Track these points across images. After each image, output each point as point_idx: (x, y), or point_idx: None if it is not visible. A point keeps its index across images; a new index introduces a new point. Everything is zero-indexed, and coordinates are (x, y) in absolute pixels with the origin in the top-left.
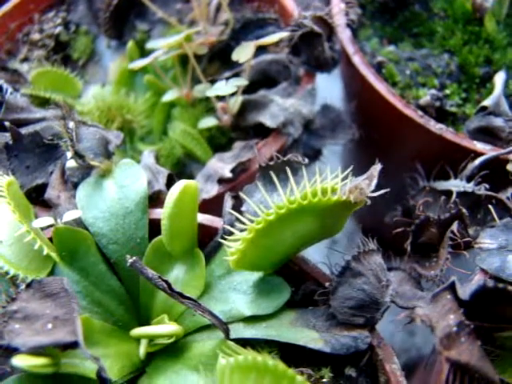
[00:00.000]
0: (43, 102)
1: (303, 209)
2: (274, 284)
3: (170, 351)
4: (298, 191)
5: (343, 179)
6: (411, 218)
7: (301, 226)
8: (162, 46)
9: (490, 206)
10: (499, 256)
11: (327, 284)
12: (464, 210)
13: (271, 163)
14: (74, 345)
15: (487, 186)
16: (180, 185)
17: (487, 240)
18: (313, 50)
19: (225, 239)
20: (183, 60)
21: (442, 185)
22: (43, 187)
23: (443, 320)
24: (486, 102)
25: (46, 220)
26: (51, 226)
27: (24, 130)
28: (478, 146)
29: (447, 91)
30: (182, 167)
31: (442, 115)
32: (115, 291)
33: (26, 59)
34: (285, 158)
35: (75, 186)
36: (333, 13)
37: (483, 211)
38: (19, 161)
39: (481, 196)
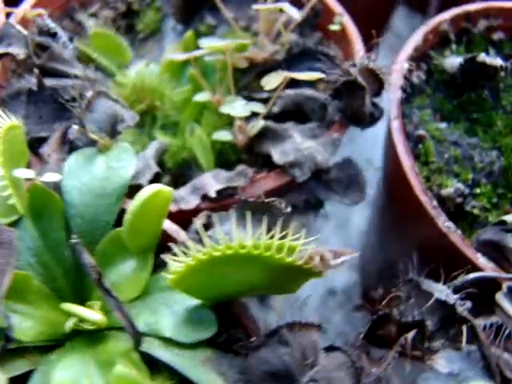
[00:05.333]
0: (89, 60)
1: (253, 257)
2: (204, 317)
3: (94, 337)
4: (253, 239)
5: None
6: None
7: (247, 272)
8: (205, 47)
9: (463, 327)
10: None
11: (253, 339)
12: (428, 323)
13: (251, 200)
14: None
15: (470, 305)
16: (153, 188)
17: (441, 361)
18: (353, 100)
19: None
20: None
21: (427, 284)
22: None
23: None
24: (508, 218)
25: (26, 172)
26: None
27: (51, 82)
28: (481, 260)
29: (478, 190)
30: (184, 169)
31: (460, 213)
32: (65, 261)
33: (94, 15)
34: (266, 200)
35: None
36: (393, 69)
37: (457, 329)
38: (36, 108)
39: (459, 313)
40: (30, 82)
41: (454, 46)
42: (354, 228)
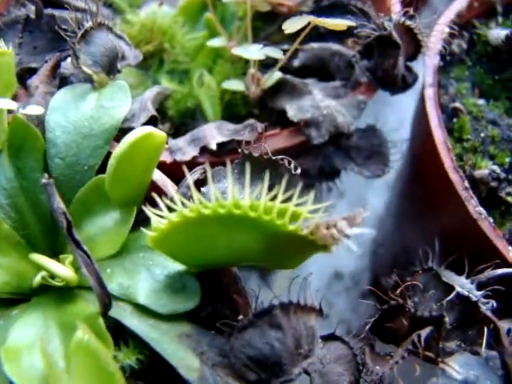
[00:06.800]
0: None
1: (248, 220)
2: (186, 286)
3: (63, 295)
4: (251, 199)
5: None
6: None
7: (241, 238)
8: None
9: (485, 329)
10: None
11: (240, 317)
12: (446, 320)
13: (255, 155)
14: None
15: (495, 304)
16: (143, 130)
17: (456, 366)
18: (384, 59)
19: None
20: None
21: (448, 276)
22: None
23: None
24: None
25: (8, 103)
26: None
27: (51, 11)
28: None
29: None
30: (187, 119)
31: (493, 199)
32: (41, 206)
33: None
34: (273, 157)
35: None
36: (432, 33)
37: (477, 330)
38: (31, 38)
39: (481, 312)
40: (29, 9)
41: (500, 19)
42: (371, 210)
